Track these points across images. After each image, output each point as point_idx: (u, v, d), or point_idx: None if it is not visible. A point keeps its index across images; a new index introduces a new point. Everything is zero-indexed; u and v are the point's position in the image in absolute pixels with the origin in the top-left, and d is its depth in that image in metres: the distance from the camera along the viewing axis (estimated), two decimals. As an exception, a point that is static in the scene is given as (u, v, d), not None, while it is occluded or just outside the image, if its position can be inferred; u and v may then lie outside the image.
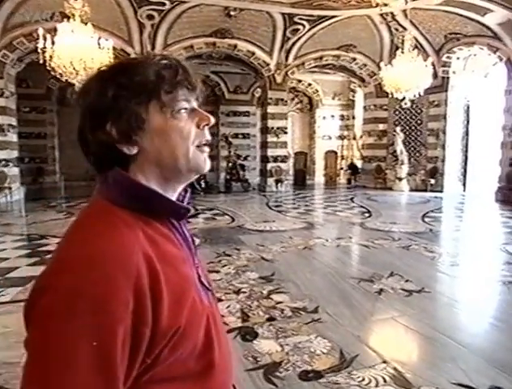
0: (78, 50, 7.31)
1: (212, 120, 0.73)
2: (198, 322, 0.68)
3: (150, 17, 10.48)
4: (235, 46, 12.10)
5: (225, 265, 4.77)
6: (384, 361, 2.57)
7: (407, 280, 4.22)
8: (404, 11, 10.23)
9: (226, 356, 0.74)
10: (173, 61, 0.70)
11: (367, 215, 8.77)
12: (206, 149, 0.73)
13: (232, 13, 10.55)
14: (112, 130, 0.66)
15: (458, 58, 12.04)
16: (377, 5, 8.52)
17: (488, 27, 10.27)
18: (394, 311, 3.45)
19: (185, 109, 0.70)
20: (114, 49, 8.11)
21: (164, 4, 10.12)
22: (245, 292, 3.82)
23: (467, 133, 12.98)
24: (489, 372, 2.46)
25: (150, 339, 0.60)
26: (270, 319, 3.20)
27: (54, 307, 0.55)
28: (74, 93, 13.93)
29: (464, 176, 13.11)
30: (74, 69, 7.44)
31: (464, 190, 12.90)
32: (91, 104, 0.67)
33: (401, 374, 2.41)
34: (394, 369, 2.50)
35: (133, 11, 10.19)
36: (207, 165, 0.73)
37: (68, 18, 7.61)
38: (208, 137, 0.73)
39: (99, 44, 7.60)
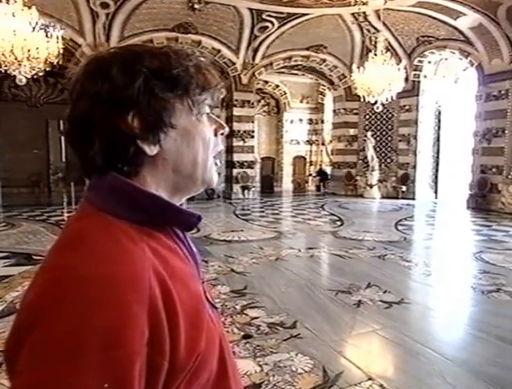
0: (21, 37, 6.87)
1: (227, 129, 0.73)
2: (213, 347, 0.62)
3: (104, 5, 10.10)
4: (199, 43, 12.02)
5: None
6: (370, 378, 2.58)
7: (385, 291, 4.29)
8: (377, 12, 10.57)
9: (240, 384, 0.69)
10: (209, 62, 0.70)
11: (339, 223, 8.91)
12: (218, 162, 0.72)
13: (196, 6, 10.47)
14: (134, 123, 0.60)
15: (429, 62, 12.57)
16: (356, 3, 8.74)
17: (460, 31, 10.80)
18: (374, 324, 3.48)
19: (207, 114, 0.69)
20: (63, 38, 7.73)
21: (120, -8, 9.86)
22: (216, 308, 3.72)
23: (438, 139, 13.53)
24: (478, 386, 2.52)
25: (168, 373, 0.53)
26: (246, 337, 3.13)
27: (52, 346, 0.47)
28: (13, 87, 13.44)
29: (436, 183, 13.64)
30: (15, 58, 7.01)
31: (436, 197, 13.41)
32: (113, 90, 0.59)
33: (389, 392, 2.42)
34: (381, 386, 2.50)
35: (85, -4, 9.83)
36: (216, 179, 0.72)
37: (8, -1, 7.17)
38: (222, 147, 0.73)
39: (46, 32, 7.24)
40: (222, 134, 0.72)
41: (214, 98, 0.70)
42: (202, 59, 0.68)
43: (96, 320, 0.48)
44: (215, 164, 0.71)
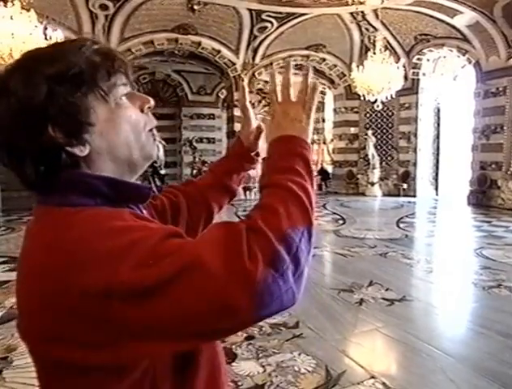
0: (20, 40, 6.82)
1: (152, 101, 0.71)
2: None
3: (103, 7, 10.09)
4: (199, 43, 12.02)
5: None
6: (372, 377, 2.57)
7: (387, 289, 4.29)
8: (375, 11, 10.56)
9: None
10: (104, 46, 0.67)
11: (341, 222, 8.90)
12: (156, 133, 0.72)
13: (195, 7, 10.46)
14: (56, 133, 0.60)
15: (428, 60, 12.54)
16: (353, 3, 8.73)
17: (457, 29, 10.77)
18: (377, 322, 3.48)
19: (125, 94, 0.67)
20: (61, 40, 7.73)
21: (119, -7, 9.84)
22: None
23: (438, 136, 13.51)
24: (480, 382, 2.52)
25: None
26: (249, 338, 3.13)
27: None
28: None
29: (436, 180, 13.62)
30: (15, 62, 7.00)
31: (437, 194, 13.39)
32: (20, 106, 0.59)
33: (391, 390, 2.42)
34: (384, 384, 2.50)
35: (83, -1, 9.83)
36: (157, 150, 0.72)
37: (6, 2, 7.03)
38: (155, 121, 0.72)
39: (45, 34, 7.21)
40: (149, 108, 0.70)
41: (128, 75, 0.69)
42: (95, 46, 0.65)
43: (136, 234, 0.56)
44: (153, 137, 0.71)
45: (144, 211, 0.73)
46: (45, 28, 7.23)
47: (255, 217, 0.59)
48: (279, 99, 0.77)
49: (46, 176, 0.62)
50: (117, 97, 0.65)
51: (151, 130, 0.70)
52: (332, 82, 14.79)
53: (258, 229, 0.56)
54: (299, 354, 2.85)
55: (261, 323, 3.40)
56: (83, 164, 0.63)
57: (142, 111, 0.69)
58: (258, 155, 1.04)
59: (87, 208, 0.60)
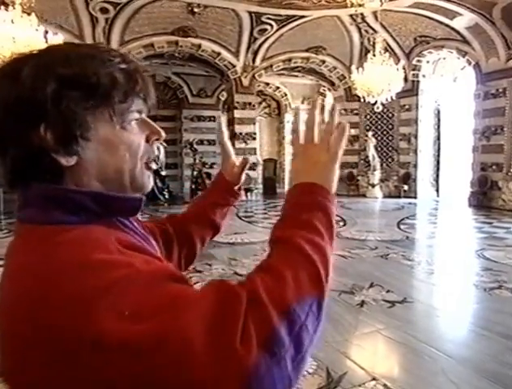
0: (20, 44, 6.82)
1: (163, 134, 0.68)
2: None
3: (104, 10, 10.13)
4: (199, 46, 12.05)
5: (197, 282, 4.65)
6: (373, 378, 2.57)
7: (388, 291, 4.28)
8: (374, 13, 10.58)
9: None
10: (132, 66, 0.63)
11: (341, 223, 8.89)
12: (154, 166, 0.68)
13: (195, 10, 10.49)
14: (47, 135, 0.56)
15: (427, 62, 12.56)
16: (352, 5, 8.75)
17: (456, 31, 10.79)
18: (378, 324, 3.48)
19: (137, 119, 0.64)
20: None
21: (120, -4, 9.86)
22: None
23: (438, 137, 13.52)
24: (481, 384, 2.51)
25: None
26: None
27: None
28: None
29: (437, 181, 13.61)
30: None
31: (437, 196, 13.39)
32: (23, 94, 0.55)
33: (392, 392, 2.42)
34: (385, 386, 2.50)
35: (84, 3, 9.81)
36: (151, 184, 0.68)
37: (7, 5, 7.09)
38: (156, 152, 0.68)
39: (46, 38, 7.24)
40: (157, 139, 0.67)
41: (146, 101, 0.65)
42: (123, 65, 0.62)
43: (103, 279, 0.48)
44: (149, 168, 0.67)
45: (135, 224, 0.68)
46: (46, 32, 7.26)
47: (257, 283, 0.51)
48: (302, 140, 0.71)
49: (19, 176, 0.59)
50: (125, 121, 0.62)
51: (147, 162, 0.66)
52: (332, 84, 14.82)
53: (258, 301, 0.48)
54: (300, 356, 2.85)
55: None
56: (67, 174, 0.59)
57: (147, 141, 0.66)
58: (240, 189, 1.02)
59: (70, 229, 0.55)
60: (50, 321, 0.47)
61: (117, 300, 0.46)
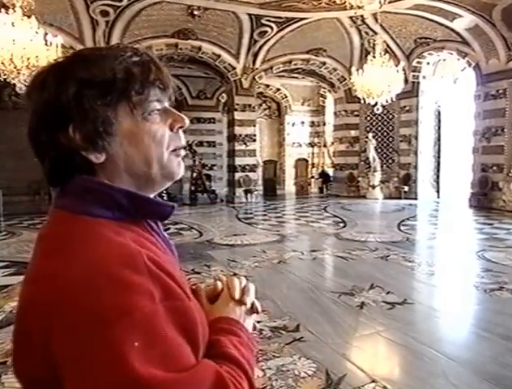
0: (20, 46, 6.83)
1: (187, 121, 0.70)
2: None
3: (104, 13, 10.15)
4: (199, 48, 12.06)
5: (195, 284, 4.64)
6: (373, 381, 2.56)
7: (388, 292, 4.26)
8: (374, 15, 10.58)
9: None
10: (145, 57, 0.66)
11: (342, 225, 8.88)
12: (182, 153, 0.70)
13: (195, 12, 10.51)
14: (75, 135, 0.61)
15: (428, 63, 12.56)
16: (352, 7, 8.75)
17: (456, 33, 10.79)
18: (378, 325, 3.46)
19: (158, 110, 0.66)
20: (63, 46, 7.69)
21: (120, 0, 9.89)
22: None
23: (438, 138, 13.51)
24: (482, 386, 2.50)
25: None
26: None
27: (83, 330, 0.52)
28: (13, 95, 13.47)
29: (437, 182, 13.60)
30: (15, 67, 6.96)
31: (438, 197, 13.37)
32: (49, 100, 0.61)
33: (392, 394, 2.40)
34: (385, 388, 2.48)
35: (84, 6, 9.83)
36: (182, 170, 0.70)
37: (7, 8, 7.06)
38: (183, 141, 0.70)
39: (45, 40, 7.24)
40: (181, 127, 0.69)
41: (164, 89, 0.67)
42: (135, 57, 0.65)
43: (106, 300, 0.52)
44: (178, 155, 0.69)
45: (160, 226, 0.72)
46: (46, 34, 7.26)
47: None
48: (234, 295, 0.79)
49: (59, 175, 0.64)
50: (145, 112, 0.64)
51: (175, 150, 0.68)
52: (332, 85, 14.83)
53: None
54: (299, 358, 2.84)
55: (261, 326, 3.39)
56: (99, 171, 0.64)
57: (171, 130, 0.68)
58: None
59: (103, 223, 0.60)
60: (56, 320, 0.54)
61: (130, 329, 0.52)
